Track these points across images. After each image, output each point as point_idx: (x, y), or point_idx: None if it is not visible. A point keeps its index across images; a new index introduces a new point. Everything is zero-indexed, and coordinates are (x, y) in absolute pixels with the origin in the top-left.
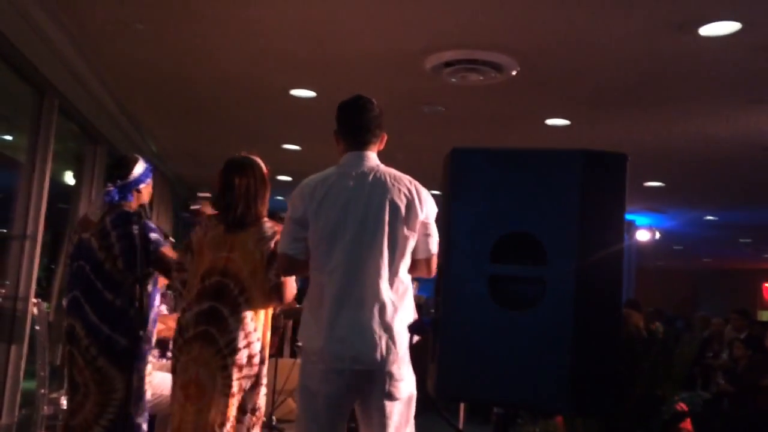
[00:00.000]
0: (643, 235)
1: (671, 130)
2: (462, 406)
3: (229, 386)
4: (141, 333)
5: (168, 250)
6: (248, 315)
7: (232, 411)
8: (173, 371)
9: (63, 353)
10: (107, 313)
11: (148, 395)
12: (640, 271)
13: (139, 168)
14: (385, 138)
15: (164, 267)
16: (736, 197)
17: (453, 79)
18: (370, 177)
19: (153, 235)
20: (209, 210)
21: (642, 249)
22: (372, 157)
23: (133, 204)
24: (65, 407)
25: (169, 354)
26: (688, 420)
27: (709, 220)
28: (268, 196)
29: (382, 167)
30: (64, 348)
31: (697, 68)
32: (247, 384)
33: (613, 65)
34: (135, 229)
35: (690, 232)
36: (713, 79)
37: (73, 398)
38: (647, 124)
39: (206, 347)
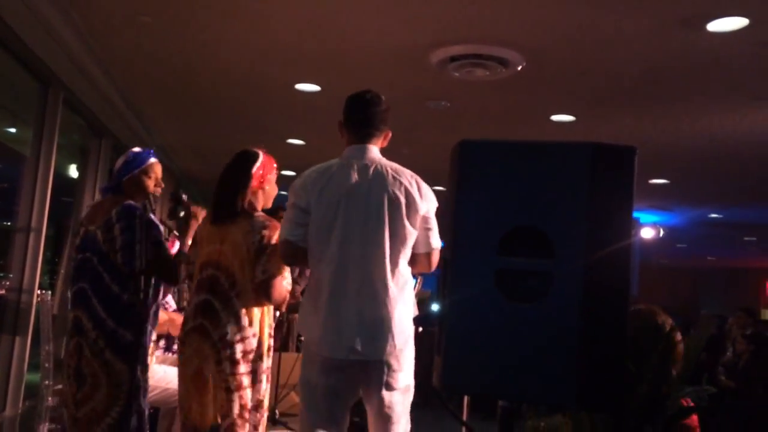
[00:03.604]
0: (647, 233)
1: (677, 126)
2: (466, 399)
3: (225, 380)
4: (147, 326)
5: (167, 253)
6: (241, 309)
7: (234, 407)
8: (180, 363)
9: (68, 345)
10: (114, 306)
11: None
12: (644, 268)
13: (120, 160)
14: (390, 135)
15: (162, 271)
16: (741, 195)
17: (458, 74)
18: (372, 170)
19: (153, 233)
20: (200, 213)
21: (646, 246)
22: (374, 151)
23: (134, 196)
24: (66, 399)
25: (175, 347)
26: (694, 416)
27: (714, 217)
28: (253, 189)
29: (384, 161)
30: (71, 339)
31: (704, 64)
32: (246, 381)
33: (620, 61)
34: (138, 223)
35: (694, 229)
36: (720, 75)
37: (81, 389)
38: (653, 121)
39: (203, 341)
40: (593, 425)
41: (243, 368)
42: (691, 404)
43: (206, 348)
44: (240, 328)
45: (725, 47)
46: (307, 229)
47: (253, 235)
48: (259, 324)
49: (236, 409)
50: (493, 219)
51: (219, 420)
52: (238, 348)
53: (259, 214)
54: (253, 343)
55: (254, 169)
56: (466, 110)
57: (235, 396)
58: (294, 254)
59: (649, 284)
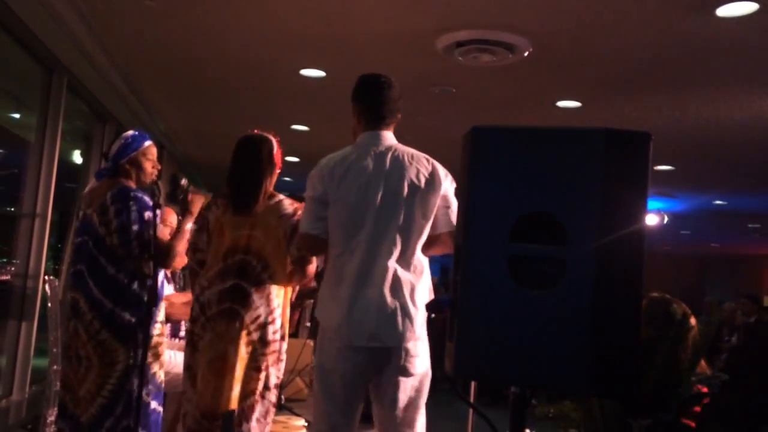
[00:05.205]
0: (651, 219)
1: (684, 113)
2: (473, 385)
3: (256, 360)
4: (152, 309)
5: (162, 234)
6: (273, 291)
7: (259, 385)
8: (194, 349)
9: (67, 328)
10: (110, 287)
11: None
12: (648, 254)
13: (116, 144)
14: (399, 117)
15: (156, 251)
16: (746, 182)
17: (464, 60)
18: (389, 156)
19: (147, 214)
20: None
21: (650, 233)
22: (389, 136)
23: (132, 179)
24: (68, 380)
25: (181, 333)
26: (706, 401)
27: (718, 204)
28: (275, 174)
29: (400, 146)
30: (69, 322)
31: (712, 50)
32: (272, 360)
33: (627, 47)
34: (132, 205)
35: (698, 216)
36: (729, 61)
37: (78, 371)
38: (660, 107)
39: (232, 324)
40: (603, 411)
41: (272, 348)
42: (704, 390)
43: (234, 331)
44: (271, 309)
45: (734, 32)
46: (326, 222)
47: (287, 218)
48: (282, 305)
49: (260, 388)
50: (505, 205)
51: (241, 400)
52: (270, 329)
53: (283, 197)
54: (279, 323)
55: (275, 154)
56: (472, 96)
57: (262, 375)
58: (314, 246)
59: (653, 271)
